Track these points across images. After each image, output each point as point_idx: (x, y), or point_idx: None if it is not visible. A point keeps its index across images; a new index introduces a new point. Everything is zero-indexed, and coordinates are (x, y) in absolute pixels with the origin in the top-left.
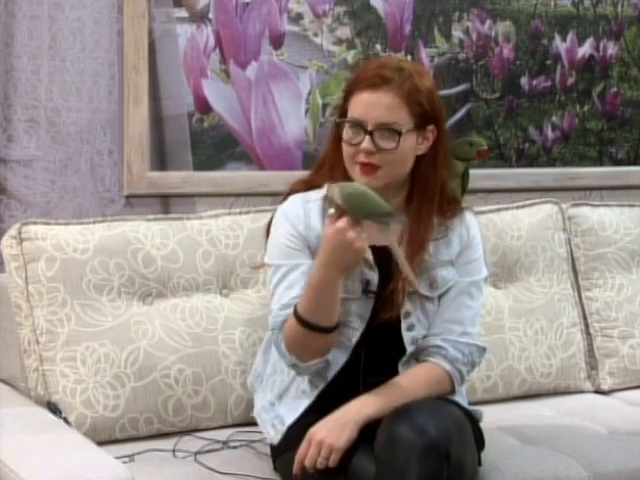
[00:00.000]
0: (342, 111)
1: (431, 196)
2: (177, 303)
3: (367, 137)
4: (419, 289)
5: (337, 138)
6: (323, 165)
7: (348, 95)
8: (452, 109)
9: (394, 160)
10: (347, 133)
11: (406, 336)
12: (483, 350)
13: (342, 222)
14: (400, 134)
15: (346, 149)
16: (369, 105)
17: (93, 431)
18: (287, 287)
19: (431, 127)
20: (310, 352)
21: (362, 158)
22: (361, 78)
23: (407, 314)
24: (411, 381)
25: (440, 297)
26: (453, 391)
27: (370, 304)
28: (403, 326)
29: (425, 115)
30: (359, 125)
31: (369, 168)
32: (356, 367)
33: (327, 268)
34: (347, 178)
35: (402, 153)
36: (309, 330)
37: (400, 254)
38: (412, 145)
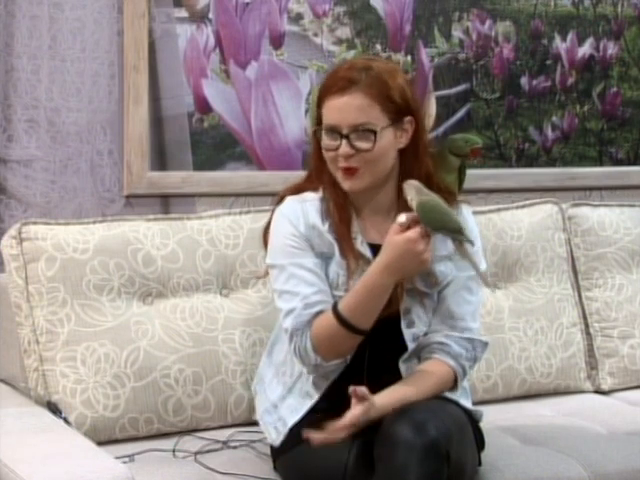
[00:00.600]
0: (318, 119)
1: None
2: (177, 303)
3: (344, 141)
4: (418, 286)
5: (318, 146)
6: (311, 175)
7: (320, 102)
8: (452, 109)
9: (373, 159)
10: (325, 140)
11: (406, 333)
12: (485, 345)
13: (414, 232)
14: (375, 133)
15: (327, 155)
16: (340, 109)
17: (93, 431)
18: (297, 284)
19: (408, 118)
20: (337, 352)
21: (342, 163)
22: (330, 84)
23: (407, 311)
24: (422, 381)
25: (439, 293)
26: (455, 387)
27: None
28: (403, 323)
29: (399, 109)
30: (334, 130)
31: (350, 171)
32: (359, 367)
33: (386, 273)
34: (336, 182)
35: (380, 151)
36: (347, 330)
37: (477, 267)
38: (390, 141)
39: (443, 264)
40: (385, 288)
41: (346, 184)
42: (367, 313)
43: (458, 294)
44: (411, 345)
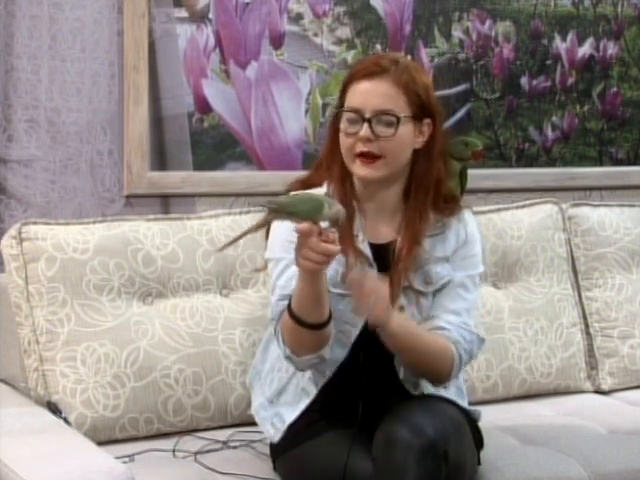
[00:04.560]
0: (340, 104)
1: (426, 191)
2: (177, 303)
3: (365, 125)
4: (414, 284)
5: (335, 135)
6: (321, 165)
7: (346, 87)
8: (452, 109)
9: (393, 148)
10: (345, 124)
11: None
12: (482, 341)
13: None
14: (398, 120)
15: (344, 141)
16: (367, 93)
17: (93, 431)
18: (288, 279)
19: (427, 121)
20: (303, 347)
21: (361, 147)
22: (358, 69)
23: (401, 309)
24: (431, 337)
25: (434, 293)
26: (449, 374)
27: None
28: None
29: (422, 106)
30: (357, 113)
31: (369, 159)
32: (356, 363)
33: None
34: (345, 176)
35: (400, 141)
36: (299, 325)
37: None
38: (410, 135)
39: (440, 265)
40: (306, 279)
41: (362, 171)
42: (306, 306)
43: (454, 291)
44: None
